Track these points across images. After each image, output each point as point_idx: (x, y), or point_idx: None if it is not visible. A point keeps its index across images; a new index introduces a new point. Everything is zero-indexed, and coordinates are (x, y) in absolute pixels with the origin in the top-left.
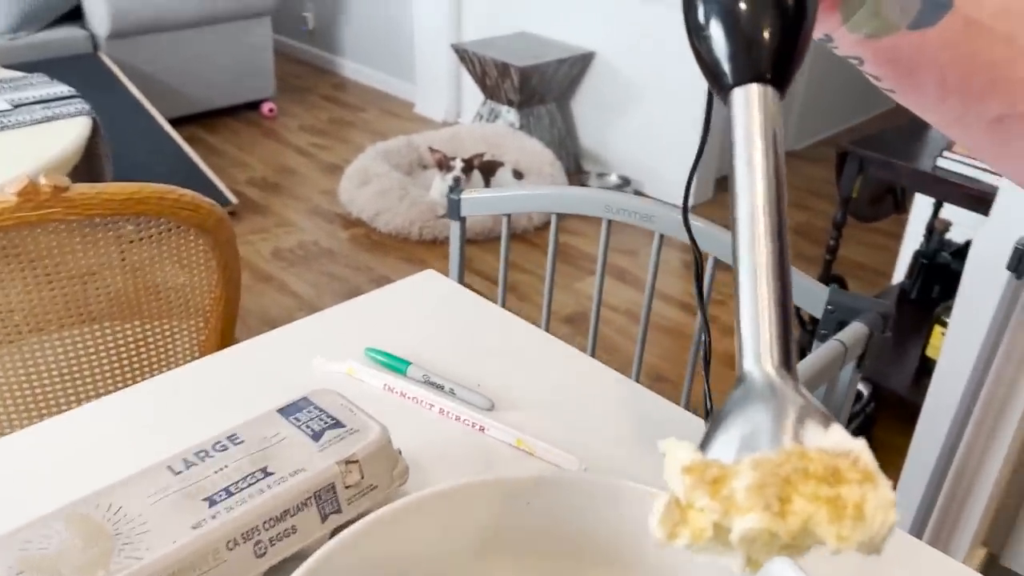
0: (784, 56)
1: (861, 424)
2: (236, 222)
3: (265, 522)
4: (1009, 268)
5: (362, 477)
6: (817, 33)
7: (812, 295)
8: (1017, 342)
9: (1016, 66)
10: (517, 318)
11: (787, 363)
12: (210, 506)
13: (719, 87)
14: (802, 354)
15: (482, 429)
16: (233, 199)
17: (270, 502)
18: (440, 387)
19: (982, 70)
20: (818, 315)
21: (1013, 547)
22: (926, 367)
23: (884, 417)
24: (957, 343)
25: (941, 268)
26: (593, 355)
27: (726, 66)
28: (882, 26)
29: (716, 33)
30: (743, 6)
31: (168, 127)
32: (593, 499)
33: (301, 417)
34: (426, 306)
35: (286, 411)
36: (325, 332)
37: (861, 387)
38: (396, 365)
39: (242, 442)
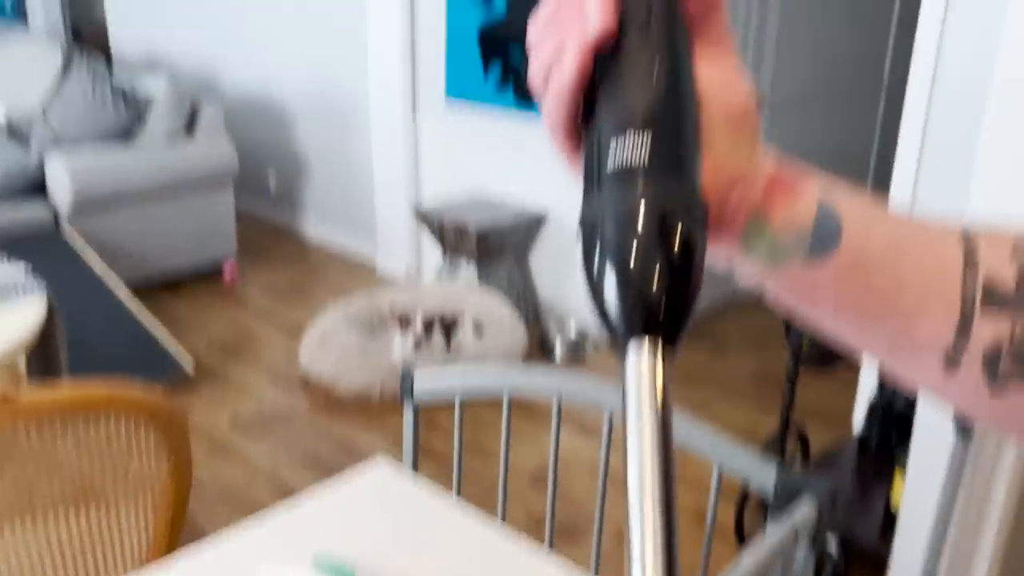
0: (675, 312)
1: None
2: (193, 391)
3: None
4: (956, 432)
5: None
6: (720, 263)
7: (763, 473)
8: (976, 488)
9: (903, 299)
10: (469, 518)
11: None
12: None
13: (613, 337)
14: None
15: None
16: (190, 370)
17: None
18: None
19: (871, 303)
20: (768, 489)
21: None
22: (891, 517)
23: (855, 570)
24: (916, 494)
25: (898, 416)
26: (551, 543)
27: (618, 319)
28: (778, 255)
29: (608, 287)
30: (633, 263)
31: (127, 298)
32: None
33: None
34: (376, 504)
35: None
36: (271, 537)
37: (830, 543)
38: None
39: None
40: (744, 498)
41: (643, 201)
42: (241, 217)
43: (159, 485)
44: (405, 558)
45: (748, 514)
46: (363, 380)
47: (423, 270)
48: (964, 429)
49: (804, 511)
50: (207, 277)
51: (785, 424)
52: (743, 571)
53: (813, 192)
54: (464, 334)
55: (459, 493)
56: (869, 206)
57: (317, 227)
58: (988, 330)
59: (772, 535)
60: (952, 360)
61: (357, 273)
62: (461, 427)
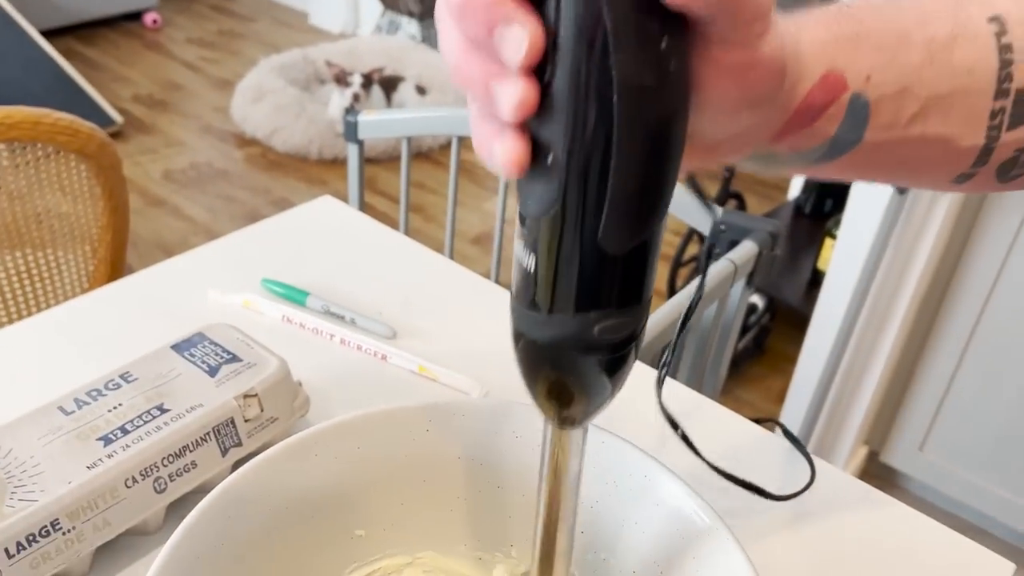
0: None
1: (757, 335)
2: (122, 142)
3: (164, 459)
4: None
5: (261, 410)
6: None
7: (706, 216)
8: (900, 252)
9: (927, 155)
10: (418, 244)
11: None
12: (105, 445)
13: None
14: (697, 272)
15: (384, 358)
16: (118, 118)
17: (168, 438)
18: (340, 317)
19: (888, 172)
20: (709, 230)
21: (892, 445)
22: (817, 279)
23: (779, 328)
24: (844, 255)
25: (834, 183)
26: (498, 278)
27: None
28: (775, 166)
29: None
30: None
31: (42, 40)
32: (491, 423)
33: (196, 353)
34: (324, 234)
35: (180, 347)
36: (220, 262)
37: (757, 299)
38: (294, 296)
39: (136, 380)
40: (680, 258)
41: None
42: None
43: (96, 227)
44: (357, 284)
45: (682, 274)
46: (299, 138)
47: (360, 25)
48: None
49: (744, 249)
50: (125, 26)
51: (726, 190)
52: (678, 302)
53: (845, 91)
54: (406, 93)
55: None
56: (898, 50)
57: None
58: (1010, 144)
59: (712, 270)
60: (965, 177)
61: (289, 24)
62: (409, 166)
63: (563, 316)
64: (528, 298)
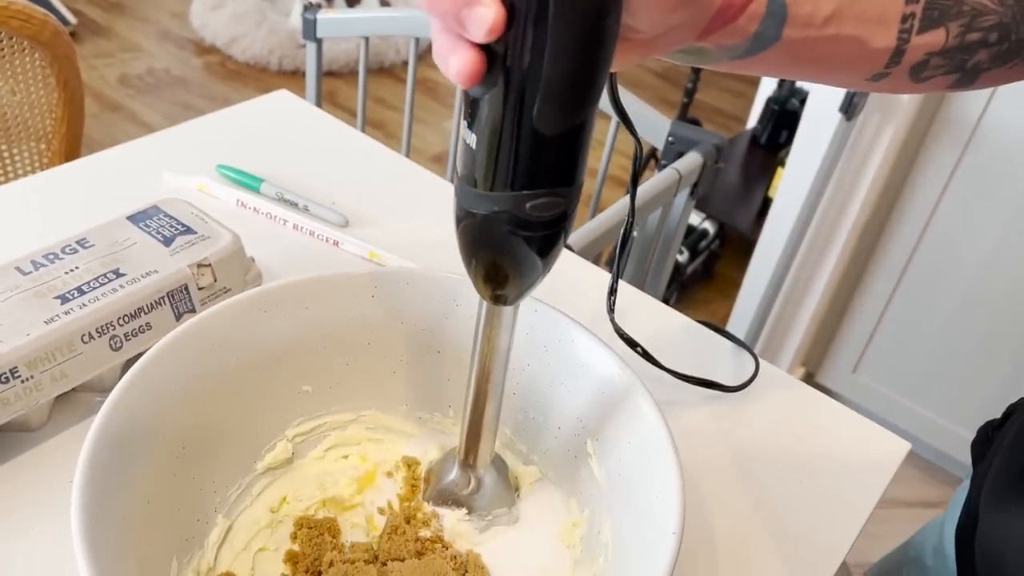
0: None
1: (706, 260)
2: (76, 44)
3: (119, 318)
4: (841, 110)
5: (215, 280)
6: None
7: (657, 128)
8: (844, 180)
9: (843, 54)
10: (373, 140)
11: (463, 465)
12: (62, 303)
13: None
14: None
15: (336, 244)
16: (71, 18)
17: (123, 300)
18: (294, 204)
19: (809, 67)
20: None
21: (827, 367)
22: (767, 208)
23: (728, 254)
24: (792, 181)
25: (790, 115)
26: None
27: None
28: (704, 60)
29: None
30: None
31: None
32: (433, 292)
33: (151, 224)
34: (280, 126)
35: (136, 218)
36: (175, 148)
37: (708, 225)
38: (249, 182)
39: (92, 246)
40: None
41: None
42: None
43: (51, 119)
44: (311, 175)
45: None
46: (259, 47)
47: None
48: (850, 107)
49: (690, 160)
50: None
51: (684, 116)
52: (620, 208)
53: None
54: (370, 4)
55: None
56: None
57: None
58: (920, 47)
59: (657, 178)
60: (879, 76)
61: None
62: (366, 66)
63: (499, 193)
64: (469, 175)
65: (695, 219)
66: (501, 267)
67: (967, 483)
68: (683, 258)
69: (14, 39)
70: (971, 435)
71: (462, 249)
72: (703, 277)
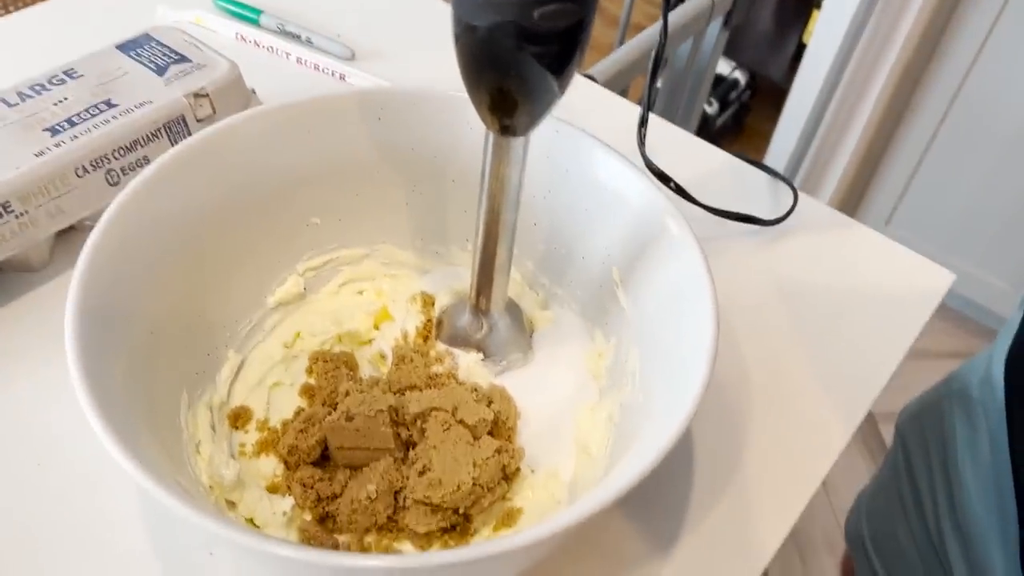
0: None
1: (736, 112)
2: None
3: (114, 151)
4: None
5: (214, 112)
6: None
7: None
8: (883, 21)
9: None
10: None
11: (475, 310)
12: (52, 135)
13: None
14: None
15: (342, 77)
16: None
17: (117, 131)
18: (297, 36)
19: None
20: None
21: (860, 218)
22: (802, 55)
23: (759, 106)
24: (828, 22)
25: None
26: None
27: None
28: None
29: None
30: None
31: None
32: (446, 112)
33: (143, 53)
34: None
35: (126, 47)
36: None
37: (738, 75)
38: (247, 15)
39: (81, 76)
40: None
41: None
42: None
43: None
44: (316, 5)
45: None
46: None
47: None
48: None
49: None
50: None
51: None
52: (650, 35)
53: None
54: None
55: None
56: None
57: None
58: None
59: (688, 5)
60: None
61: None
62: None
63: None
64: None
65: (725, 68)
66: (508, 91)
67: (1018, 313)
68: (712, 109)
69: None
70: (1007, 286)
71: (463, 72)
72: (733, 130)
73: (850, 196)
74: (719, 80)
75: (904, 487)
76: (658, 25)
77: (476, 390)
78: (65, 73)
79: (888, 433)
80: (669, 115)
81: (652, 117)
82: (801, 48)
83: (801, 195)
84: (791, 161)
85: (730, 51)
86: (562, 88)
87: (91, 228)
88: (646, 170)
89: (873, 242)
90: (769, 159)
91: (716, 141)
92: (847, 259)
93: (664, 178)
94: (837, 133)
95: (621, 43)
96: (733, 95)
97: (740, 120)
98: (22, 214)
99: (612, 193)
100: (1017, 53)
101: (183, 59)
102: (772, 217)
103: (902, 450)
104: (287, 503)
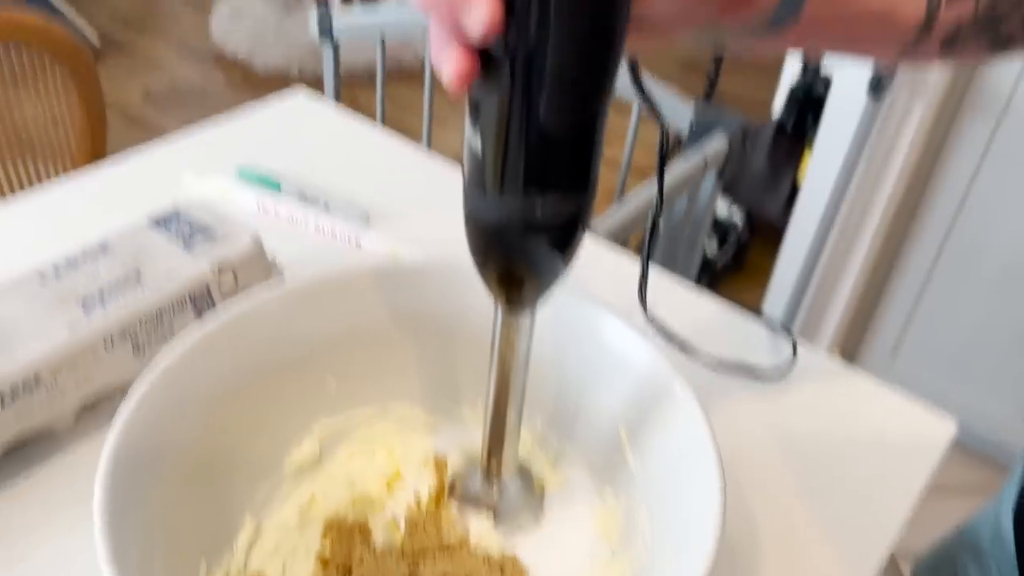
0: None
1: (736, 251)
2: (101, 65)
3: (142, 323)
4: (868, 89)
5: (236, 283)
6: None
7: (679, 113)
8: (874, 160)
9: (865, 29)
10: (391, 131)
11: (487, 474)
12: (84, 310)
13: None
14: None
15: (358, 244)
16: (95, 40)
17: (144, 303)
18: (315, 201)
19: (833, 41)
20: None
21: (864, 354)
22: (796, 195)
23: (757, 244)
24: (820, 164)
25: (816, 101)
26: None
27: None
28: (725, 40)
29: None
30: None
31: None
32: (452, 282)
33: (171, 227)
34: (299, 125)
35: (156, 222)
36: (194, 150)
37: (736, 213)
38: (269, 184)
39: (113, 251)
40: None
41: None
42: None
43: (74, 134)
44: (331, 170)
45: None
46: (280, 57)
47: None
48: (878, 86)
49: (715, 143)
50: None
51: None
52: (647, 192)
53: None
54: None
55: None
56: None
57: None
58: (949, 17)
59: (682, 163)
60: (910, 48)
61: None
62: (383, 66)
63: (508, 197)
64: (477, 180)
65: (723, 211)
66: (515, 271)
67: (1019, 464)
68: (712, 249)
69: (35, 55)
70: (1017, 417)
71: (472, 252)
72: (733, 268)
73: (853, 331)
74: (718, 223)
75: None
76: (655, 180)
77: (488, 560)
78: (98, 248)
79: (906, 571)
80: (670, 260)
81: (653, 269)
82: (795, 189)
83: (801, 344)
84: (792, 299)
85: (728, 194)
86: (568, 263)
87: (112, 392)
88: (650, 332)
89: (873, 392)
90: (770, 297)
91: (717, 280)
92: (848, 409)
93: (667, 334)
94: (836, 270)
95: (622, 187)
96: (732, 236)
97: (740, 259)
98: (51, 385)
99: (619, 356)
100: (1007, 181)
101: (209, 233)
102: (772, 365)
103: None
104: None
